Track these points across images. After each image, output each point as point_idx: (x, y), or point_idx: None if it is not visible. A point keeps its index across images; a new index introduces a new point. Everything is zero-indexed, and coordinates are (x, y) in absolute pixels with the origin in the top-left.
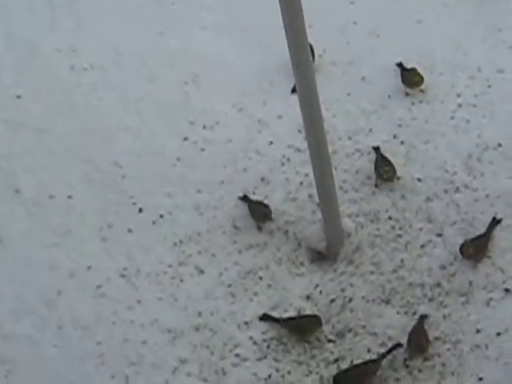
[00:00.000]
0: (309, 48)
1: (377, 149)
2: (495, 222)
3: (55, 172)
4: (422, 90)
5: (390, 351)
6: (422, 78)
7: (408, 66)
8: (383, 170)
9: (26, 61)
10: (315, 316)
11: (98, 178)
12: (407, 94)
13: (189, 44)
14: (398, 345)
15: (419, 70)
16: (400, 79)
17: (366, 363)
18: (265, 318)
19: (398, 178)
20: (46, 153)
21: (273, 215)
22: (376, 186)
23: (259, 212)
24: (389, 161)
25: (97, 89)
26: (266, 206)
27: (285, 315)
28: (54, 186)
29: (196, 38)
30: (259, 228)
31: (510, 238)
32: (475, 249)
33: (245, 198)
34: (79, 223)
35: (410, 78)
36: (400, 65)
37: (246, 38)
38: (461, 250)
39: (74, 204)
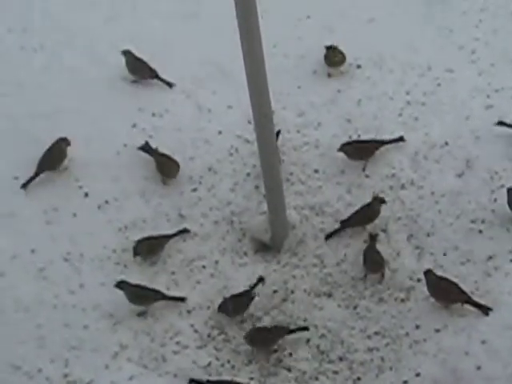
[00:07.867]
0: (260, 38)
1: None
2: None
3: (1, 153)
4: (341, 72)
5: None
6: (344, 57)
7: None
8: None
9: None
10: None
11: None
12: (329, 75)
13: (139, 27)
14: None
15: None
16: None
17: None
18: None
19: (343, 172)
20: None
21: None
22: None
23: (167, 167)
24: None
25: (46, 70)
26: (175, 162)
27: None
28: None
29: (147, 22)
30: (164, 183)
31: (450, 237)
32: None
33: (146, 147)
34: (24, 205)
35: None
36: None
37: (198, 26)
38: None
39: (19, 185)
